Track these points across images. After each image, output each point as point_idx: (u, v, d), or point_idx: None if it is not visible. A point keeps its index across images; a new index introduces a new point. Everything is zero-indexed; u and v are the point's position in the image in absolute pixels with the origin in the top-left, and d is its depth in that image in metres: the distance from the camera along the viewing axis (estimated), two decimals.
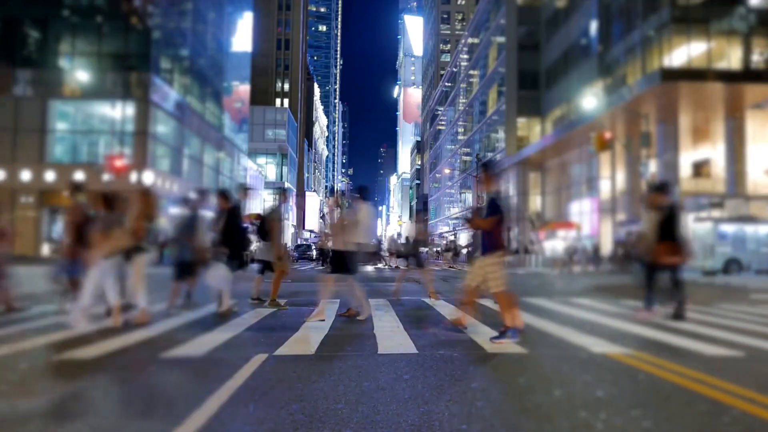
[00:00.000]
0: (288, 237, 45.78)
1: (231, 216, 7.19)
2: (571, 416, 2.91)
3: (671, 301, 7.02)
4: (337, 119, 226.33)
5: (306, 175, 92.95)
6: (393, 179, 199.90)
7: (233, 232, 7.15)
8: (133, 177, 27.94)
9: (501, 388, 3.47)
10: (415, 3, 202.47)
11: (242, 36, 52.11)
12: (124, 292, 6.76)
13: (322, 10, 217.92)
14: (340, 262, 6.70)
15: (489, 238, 5.22)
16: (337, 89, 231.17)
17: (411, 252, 10.10)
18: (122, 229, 6.16)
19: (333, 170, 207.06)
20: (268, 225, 7.84)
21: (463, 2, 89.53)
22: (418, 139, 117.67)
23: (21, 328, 5.85)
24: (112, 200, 6.29)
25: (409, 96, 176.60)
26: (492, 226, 5.17)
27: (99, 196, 6.32)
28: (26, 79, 29.43)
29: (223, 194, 7.46)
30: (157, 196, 7.64)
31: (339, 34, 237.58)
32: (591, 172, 33.29)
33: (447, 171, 69.54)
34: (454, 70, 69.50)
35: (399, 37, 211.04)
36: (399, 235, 40.74)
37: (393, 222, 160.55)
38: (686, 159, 26.05)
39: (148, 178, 28.65)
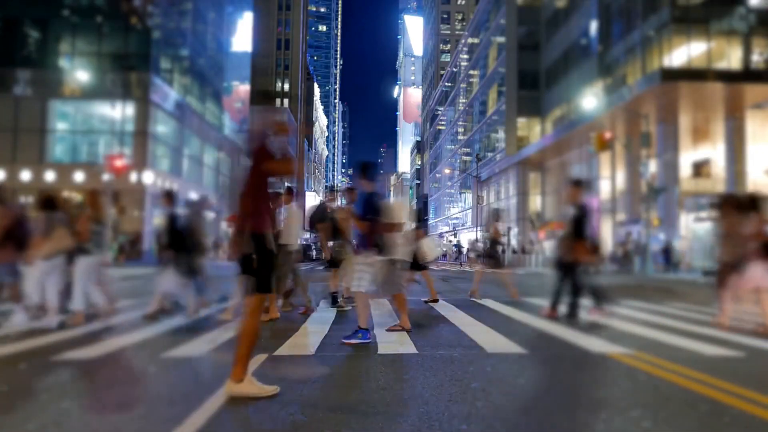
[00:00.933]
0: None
1: (171, 219, 6.86)
2: (571, 416, 2.90)
3: (591, 299, 6.95)
4: (337, 119, 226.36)
5: (306, 175, 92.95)
6: (393, 179, 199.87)
7: (179, 235, 6.85)
8: (133, 177, 27.95)
9: (501, 388, 3.47)
10: (414, 3, 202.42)
11: (242, 36, 52.13)
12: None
13: (322, 10, 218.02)
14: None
15: (362, 236, 5.28)
16: (337, 89, 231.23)
17: (489, 252, 9.96)
18: (63, 230, 6.13)
19: (333, 170, 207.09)
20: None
21: (463, 2, 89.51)
22: (418, 139, 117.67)
23: (20, 329, 5.85)
24: (53, 201, 6.28)
25: (409, 96, 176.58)
26: (366, 227, 5.22)
27: (38, 197, 6.32)
28: (26, 79, 29.43)
29: (169, 194, 7.05)
30: (105, 197, 7.56)
31: (339, 34, 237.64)
32: (591, 172, 33.29)
33: (447, 171, 69.54)
34: (454, 70, 69.50)
35: (399, 37, 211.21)
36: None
37: None
38: (686, 159, 26.05)
39: (148, 177, 28.66)
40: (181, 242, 6.81)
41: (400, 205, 5.53)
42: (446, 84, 75.48)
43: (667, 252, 22.86)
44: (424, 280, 9.66)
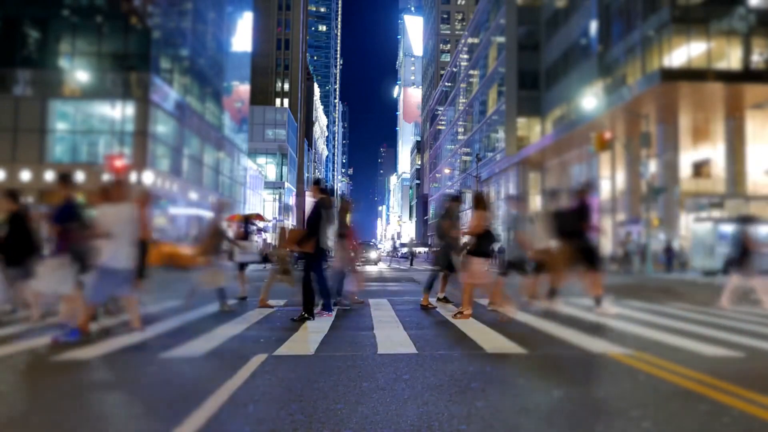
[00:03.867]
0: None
1: (16, 220, 6.56)
2: (571, 416, 2.90)
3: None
4: (337, 119, 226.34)
5: (306, 175, 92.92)
6: (393, 179, 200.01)
7: (18, 238, 6.49)
8: (133, 177, 27.94)
9: (501, 388, 3.47)
10: (412, 5, 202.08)
11: (242, 36, 52.10)
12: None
13: (322, 10, 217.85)
14: None
15: (57, 242, 5.37)
16: (337, 89, 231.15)
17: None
18: None
19: (333, 170, 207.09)
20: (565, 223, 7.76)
21: (463, 2, 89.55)
22: (418, 139, 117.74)
23: (20, 329, 5.85)
24: None
25: (409, 96, 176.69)
26: (59, 233, 5.37)
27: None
28: (26, 79, 29.42)
29: (11, 194, 6.74)
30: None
31: (339, 34, 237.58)
32: (591, 172, 33.29)
33: (447, 171, 69.55)
34: (454, 70, 69.51)
35: (399, 37, 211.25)
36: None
37: (393, 222, 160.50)
38: (686, 159, 26.05)
39: (148, 177, 28.65)
40: (24, 246, 6.50)
41: (115, 213, 5.49)
42: (446, 84, 75.49)
43: (669, 251, 22.85)
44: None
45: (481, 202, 6.88)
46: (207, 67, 40.99)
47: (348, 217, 8.61)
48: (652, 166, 23.92)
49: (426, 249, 51.80)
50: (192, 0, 37.38)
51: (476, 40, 57.20)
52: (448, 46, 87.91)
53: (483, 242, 6.70)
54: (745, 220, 9.47)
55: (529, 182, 41.48)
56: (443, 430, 2.66)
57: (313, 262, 6.70)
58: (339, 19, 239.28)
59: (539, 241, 7.64)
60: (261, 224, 35.78)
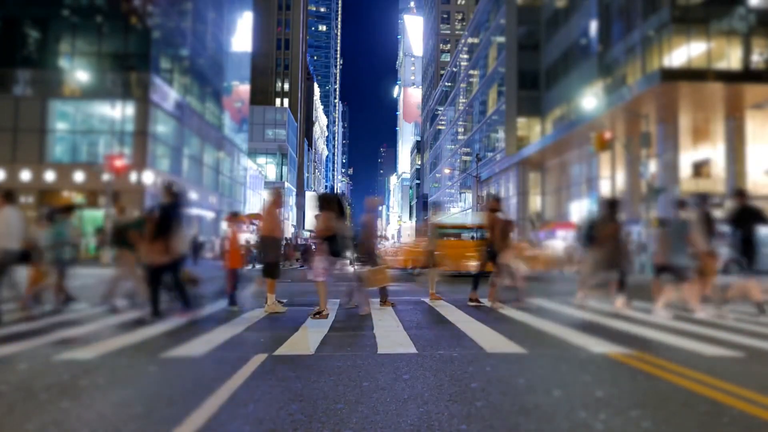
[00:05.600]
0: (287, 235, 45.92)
1: None
2: (571, 416, 2.90)
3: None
4: (337, 119, 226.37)
5: (306, 174, 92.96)
6: (393, 179, 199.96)
7: None
8: (133, 177, 27.95)
9: (501, 388, 3.47)
10: (413, 4, 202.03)
11: (242, 36, 52.11)
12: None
13: (322, 10, 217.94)
14: None
15: None
16: (337, 89, 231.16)
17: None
18: None
19: (333, 170, 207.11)
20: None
21: (463, 2, 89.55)
22: (418, 139, 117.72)
23: (21, 329, 5.86)
24: None
25: (409, 96, 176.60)
26: None
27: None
28: (26, 79, 29.42)
29: None
30: None
31: (339, 34, 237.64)
32: (591, 172, 33.29)
33: (447, 171, 69.55)
34: (454, 70, 69.51)
35: (399, 37, 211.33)
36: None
37: (393, 222, 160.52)
38: (686, 159, 26.05)
39: (148, 177, 28.65)
40: None
41: None
42: (446, 84, 75.48)
43: None
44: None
45: (329, 204, 7.14)
46: (207, 67, 40.99)
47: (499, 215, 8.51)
48: (652, 166, 23.91)
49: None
50: (192, 0, 37.39)
51: (476, 40, 57.20)
52: (448, 46, 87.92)
53: (331, 243, 7.01)
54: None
55: (529, 182, 41.49)
56: (443, 430, 2.66)
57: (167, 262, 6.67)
58: (339, 19, 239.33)
59: (700, 245, 7.60)
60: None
